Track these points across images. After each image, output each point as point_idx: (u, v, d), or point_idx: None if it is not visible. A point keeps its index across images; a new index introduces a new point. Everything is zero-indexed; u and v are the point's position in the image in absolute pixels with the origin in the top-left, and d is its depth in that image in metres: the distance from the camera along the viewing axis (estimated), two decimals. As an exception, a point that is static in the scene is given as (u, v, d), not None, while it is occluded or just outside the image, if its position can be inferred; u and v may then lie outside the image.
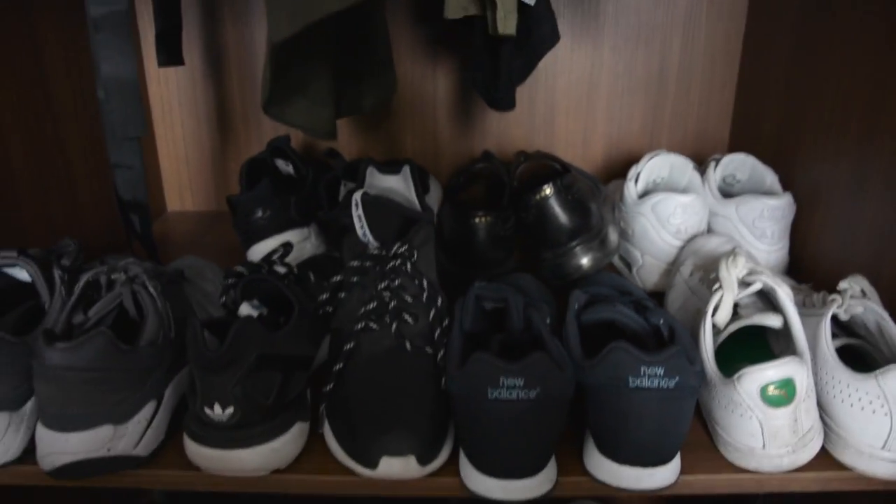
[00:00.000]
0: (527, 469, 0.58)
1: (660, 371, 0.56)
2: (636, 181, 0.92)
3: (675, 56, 1.07)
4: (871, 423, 0.61)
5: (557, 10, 1.03)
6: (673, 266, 0.85)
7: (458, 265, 0.87)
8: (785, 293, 0.66)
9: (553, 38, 0.79)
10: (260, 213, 0.88)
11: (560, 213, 0.82)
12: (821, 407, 0.64)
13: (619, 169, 1.10)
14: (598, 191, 0.92)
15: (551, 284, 0.83)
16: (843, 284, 0.70)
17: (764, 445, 0.60)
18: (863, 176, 0.77)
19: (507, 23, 0.66)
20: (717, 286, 0.68)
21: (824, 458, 0.63)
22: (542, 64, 1.06)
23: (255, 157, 0.97)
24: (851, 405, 0.62)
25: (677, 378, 0.57)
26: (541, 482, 0.58)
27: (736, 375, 0.60)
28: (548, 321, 0.67)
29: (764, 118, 1.00)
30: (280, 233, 0.89)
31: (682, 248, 0.85)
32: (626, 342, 0.57)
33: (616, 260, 0.94)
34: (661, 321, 0.65)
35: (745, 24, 1.05)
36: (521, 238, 0.88)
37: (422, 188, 0.97)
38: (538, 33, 0.77)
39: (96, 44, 0.76)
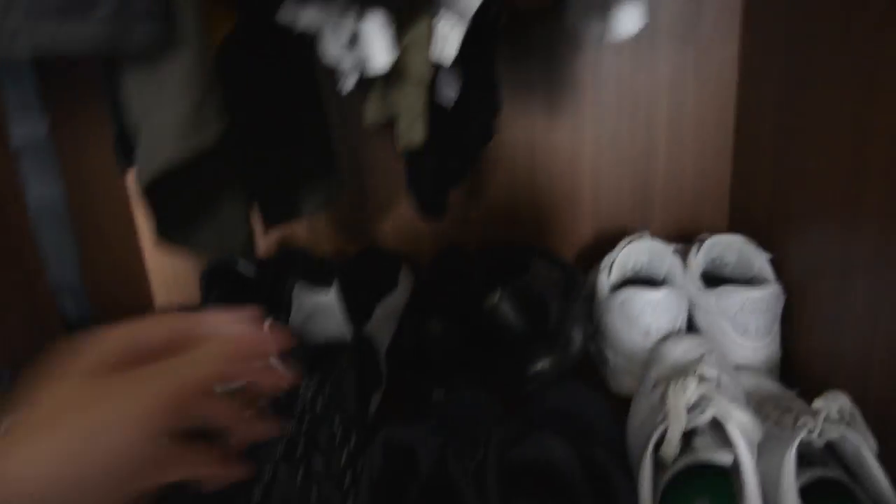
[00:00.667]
0: None
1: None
2: (609, 271, 0.85)
3: (664, 124, 0.99)
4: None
5: (531, 81, 0.97)
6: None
7: (416, 373, 0.82)
8: (737, 425, 0.58)
9: (483, 139, 0.73)
10: (212, 325, 0.85)
11: (513, 319, 0.75)
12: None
13: (611, 250, 1.03)
14: (571, 283, 0.85)
15: (510, 396, 0.76)
16: (817, 403, 0.61)
17: None
18: (847, 265, 0.68)
19: (412, 134, 0.61)
20: (661, 416, 0.60)
21: None
22: (521, 140, 1.00)
23: (216, 262, 0.93)
24: (814, 565, 0.53)
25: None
26: None
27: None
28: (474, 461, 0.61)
29: (757, 194, 0.91)
30: (234, 343, 0.85)
31: (651, 352, 0.77)
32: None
33: (597, 360, 0.86)
34: (598, 459, 0.58)
35: (737, 89, 0.97)
36: (482, 345, 0.81)
37: (386, 284, 0.92)
38: (467, 135, 0.72)
39: (22, 171, 0.75)
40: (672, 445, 0.59)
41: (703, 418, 0.59)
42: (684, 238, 0.94)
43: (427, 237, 1.05)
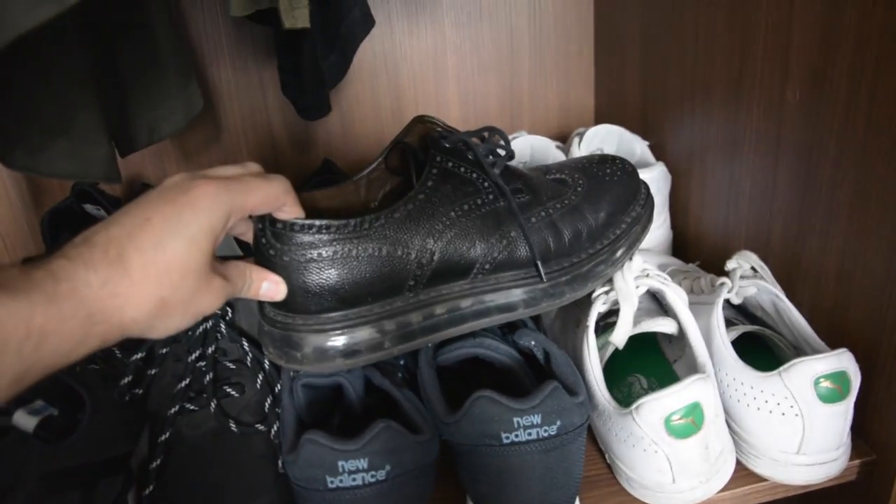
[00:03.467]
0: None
1: (537, 418, 0.47)
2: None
3: (524, 26, 0.97)
4: (782, 427, 0.53)
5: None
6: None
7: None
8: (676, 295, 0.57)
9: (366, 24, 0.68)
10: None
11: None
12: (726, 412, 0.56)
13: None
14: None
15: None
16: (730, 264, 0.62)
17: (674, 480, 0.51)
18: (734, 138, 0.69)
19: (296, 14, 0.54)
20: (601, 292, 0.58)
21: (738, 471, 0.55)
22: (380, 51, 0.95)
23: (58, 206, 0.82)
24: (758, 409, 0.53)
25: (558, 422, 0.47)
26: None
27: (634, 406, 0.50)
28: (399, 374, 0.57)
29: (626, 84, 0.92)
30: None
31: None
32: (490, 391, 0.47)
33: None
34: (532, 343, 0.56)
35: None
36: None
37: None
38: (348, 20, 0.65)
39: None
40: (625, 329, 0.56)
41: (637, 293, 0.58)
42: (554, 139, 0.93)
43: (288, 164, 0.98)
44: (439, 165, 0.51)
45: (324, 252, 0.46)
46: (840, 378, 0.51)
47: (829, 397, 0.51)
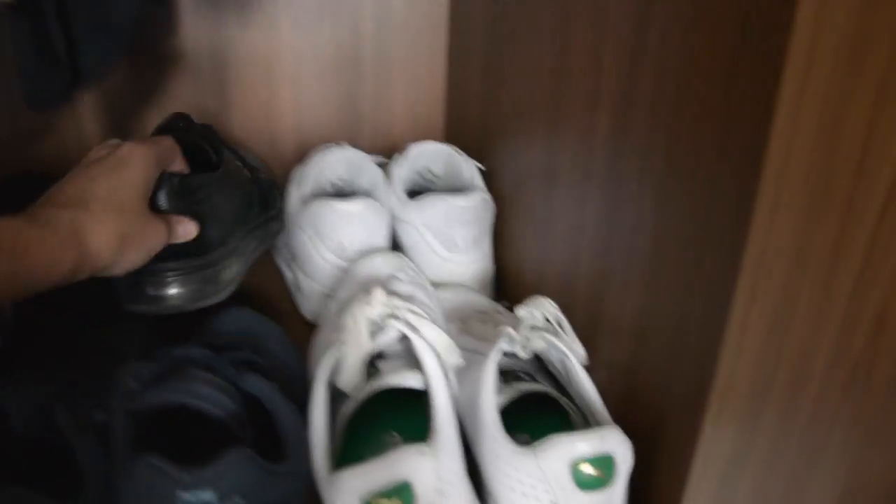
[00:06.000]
0: None
1: (210, 496, 0.37)
2: (301, 184, 0.72)
3: (370, 29, 0.88)
4: (537, 515, 0.44)
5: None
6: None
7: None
8: (426, 343, 0.48)
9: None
10: None
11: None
12: (487, 489, 0.47)
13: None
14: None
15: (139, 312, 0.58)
16: (520, 311, 0.53)
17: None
18: (552, 166, 0.61)
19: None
20: (338, 343, 0.48)
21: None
22: (206, 45, 0.84)
23: None
24: (512, 489, 0.45)
25: (243, 498, 0.37)
26: None
27: (333, 478, 0.41)
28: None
29: (470, 99, 0.83)
30: None
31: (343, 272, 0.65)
32: (156, 455, 0.37)
33: (292, 285, 0.73)
34: (260, 391, 0.46)
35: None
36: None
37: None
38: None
39: None
40: (349, 372, 0.47)
41: (388, 338, 0.49)
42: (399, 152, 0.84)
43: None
44: None
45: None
46: (603, 463, 0.42)
47: (590, 484, 0.42)
